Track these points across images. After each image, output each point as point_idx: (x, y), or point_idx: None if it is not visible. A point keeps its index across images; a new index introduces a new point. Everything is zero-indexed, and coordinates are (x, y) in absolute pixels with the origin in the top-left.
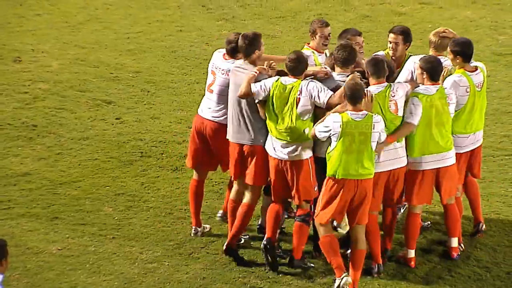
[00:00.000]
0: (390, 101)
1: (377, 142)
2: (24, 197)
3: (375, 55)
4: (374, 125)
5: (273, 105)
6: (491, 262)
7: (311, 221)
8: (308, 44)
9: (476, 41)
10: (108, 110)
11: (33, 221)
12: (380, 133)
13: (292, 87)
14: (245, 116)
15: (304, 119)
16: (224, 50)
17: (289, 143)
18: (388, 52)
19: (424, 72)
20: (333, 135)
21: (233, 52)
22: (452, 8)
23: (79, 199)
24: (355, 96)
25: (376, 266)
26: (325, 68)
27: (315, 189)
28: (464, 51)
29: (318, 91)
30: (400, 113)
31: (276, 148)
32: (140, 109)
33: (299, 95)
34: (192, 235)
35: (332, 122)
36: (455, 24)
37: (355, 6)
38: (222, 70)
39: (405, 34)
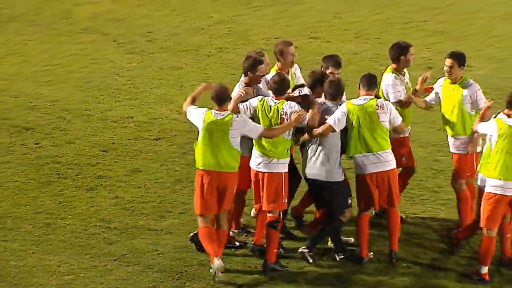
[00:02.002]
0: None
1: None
2: None
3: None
4: (232, 123)
5: (259, 123)
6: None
7: (279, 226)
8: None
9: (359, 72)
10: (28, 136)
11: None
12: (238, 130)
13: (276, 108)
14: None
15: (286, 137)
16: None
17: (269, 158)
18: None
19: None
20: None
21: None
22: (338, 42)
23: (1, 218)
24: (219, 98)
25: (367, 256)
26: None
27: (285, 201)
28: (464, 61)
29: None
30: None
31: (256, 161)
32: (57, 134)
33: (283, 115)
34: None
35: (198, 117)
36: (341, 56)
37: (252, 41)
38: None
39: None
